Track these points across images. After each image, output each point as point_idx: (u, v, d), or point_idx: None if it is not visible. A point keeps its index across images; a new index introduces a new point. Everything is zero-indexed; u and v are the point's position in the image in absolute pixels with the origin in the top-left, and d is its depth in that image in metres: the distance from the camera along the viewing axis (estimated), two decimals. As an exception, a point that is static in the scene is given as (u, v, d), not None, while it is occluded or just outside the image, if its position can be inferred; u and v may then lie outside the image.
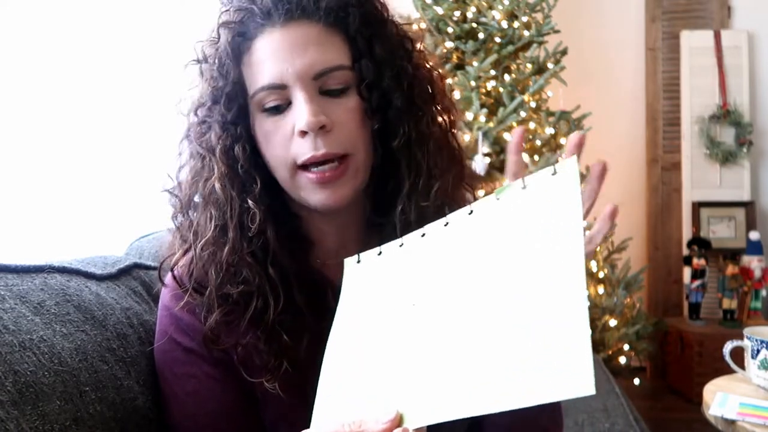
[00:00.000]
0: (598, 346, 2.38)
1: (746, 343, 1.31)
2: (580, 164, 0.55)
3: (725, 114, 3.10)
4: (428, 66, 0.73)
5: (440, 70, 0.76)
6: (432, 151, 0.70)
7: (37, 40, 1.81)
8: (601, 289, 2.48)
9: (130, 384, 0.68)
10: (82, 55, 1.87)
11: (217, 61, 0.66)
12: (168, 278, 0.73)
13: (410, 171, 0.70)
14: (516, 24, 2.48)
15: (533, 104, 2.47)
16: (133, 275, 0.83)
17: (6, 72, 1.77)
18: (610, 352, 2.43)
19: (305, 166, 0.66)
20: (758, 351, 1.28)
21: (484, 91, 2.42)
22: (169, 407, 0.71)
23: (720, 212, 3.10)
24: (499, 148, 2.40)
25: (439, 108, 0.73)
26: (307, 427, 0.56)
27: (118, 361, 0.68)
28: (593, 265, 2.49)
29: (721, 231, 3.09)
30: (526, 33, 2.49)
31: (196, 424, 0.70)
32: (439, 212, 0.69)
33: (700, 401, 1.36)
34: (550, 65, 2.52)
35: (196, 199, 0.70)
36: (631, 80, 3.33)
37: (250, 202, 0.67)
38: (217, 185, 0.66)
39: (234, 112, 0.66)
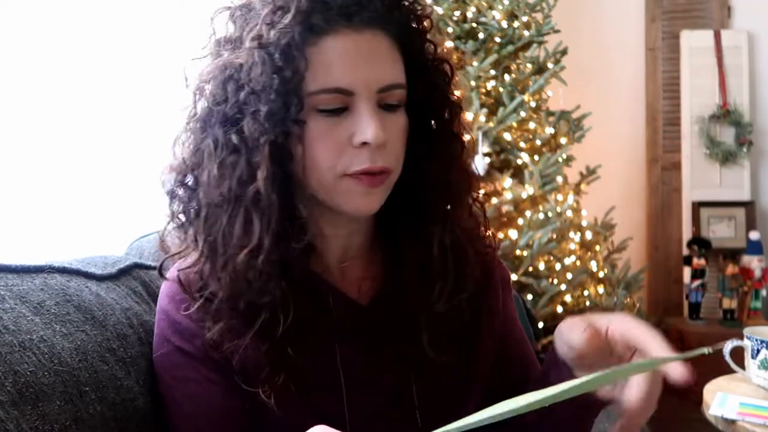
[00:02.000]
0: (598, 346, 2.37)
1: (746, 343, 1.31)
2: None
3: (725, 114, 3.10)
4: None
5: (461, 91, 0.76)
6: (456, 175, 0.71)
7: (37, 40, 1.81)
8: (601, 289, 2.48)
9: (130, 384, 0.68)
10: (82, 55, 1.87)
11: (279, 46, 0.61)
12: (172, 281, 0.71)
13: (430, 193, 0.70)
14: (516, 24, 2.48)
15: (533, 104, 2.47)
16: (133, 275, 0.83)
17: (6, 72, 1.77)
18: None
19: (351, 175, 0.64)
20: (758, 351, 1.28)
21: (484, 91, 2.42)
22: (168, 411, 0.71)
23: (720, 212, 3.10)
24: (499, 148, 2.40)
25: (460, 131, 0.73)
26: (309, 429, 0.56)
27: (118, 362, 0.68)
28: (593, 264, 2.49)
29: (721, 231, 3.09)
30: (526, 33, 2.48)
31: (196, 428, 0.69)
32: (448, 233, 0.71)
33: (700, 401, 1.36)
34: (550, 65, 2.52)
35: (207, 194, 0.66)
36: (631, 80, 3.33)
37: (301, 208, 0.65)
38: (262, 186, 0.62)
39: (295, 107, 0.62)
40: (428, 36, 0.70)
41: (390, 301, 0.73)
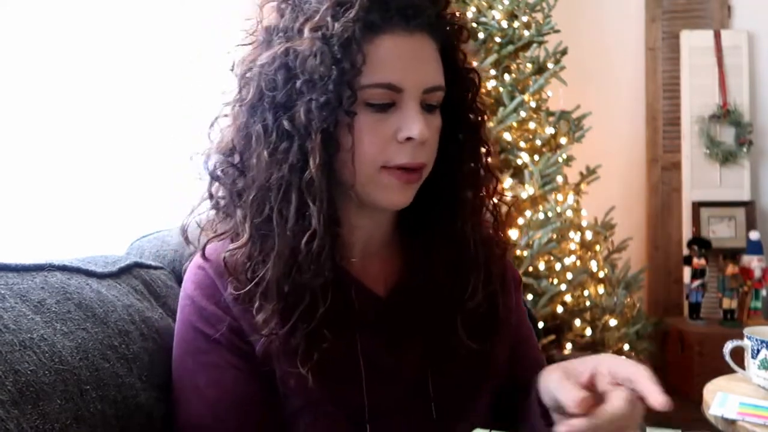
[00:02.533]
0: (597, 346, 2.38)
1: (746, 343, 1.31)
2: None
3: (725, 114, 3.10)
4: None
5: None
6: (482, 177, 0.76)
7: (37, 40, 1.81)
8: (601, 289, 2.48)
9: (131, 381, 0.68)
10: (82, 55, 1.87)
11: (340, 39, 0.63)
12: (212, 262, 0.71)
13: (460, 192, 0.75)
14: (516, 24, 2.48)
15: (533, 104, 2.47)
16: (134, 274, 0.83)
17: (6, 72, 1.77)
18: (610, 352, 2.43)
19: (390, 167, 0.67)
20: (758, 351, 1.28)
21: (484, 90, 2.42)
22: (187, 398, 0.71)
23: (720, 212, 3.11)
24: (499, 148, 2.40)
25: (486, 137, 0.78)
26: (329, 417, 0.57)
27: (119, 359, 0.68)
28: (593, 264, 2.49)
29: (721, 231, 3.09)
30: (526, 33, 2.48)
31: (216, 415, 0.69)
32: (471, 228, 0.75)
33: (700, 401, 1.35)
34: (550, 65, 2.52)
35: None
36: (631, 80, 3.34)
37: (337, 197, 0.68)
38: (315, 172, 0.64)
39: (349, 98, 0.64)
40: (461, 47, 0.74)
41: (411, 294, 0.75)
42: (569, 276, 2.32)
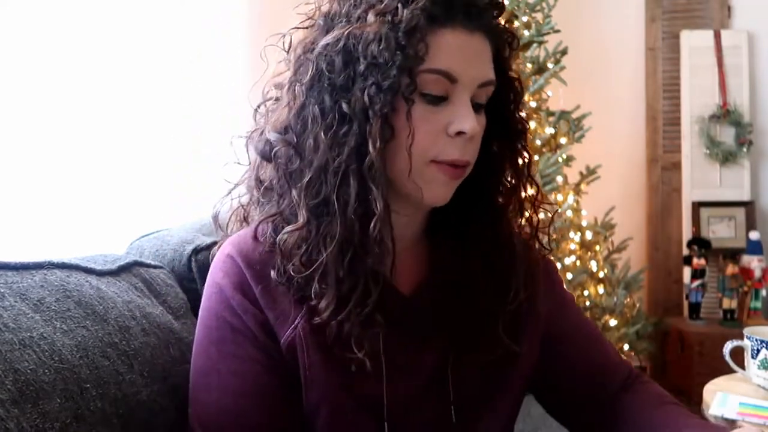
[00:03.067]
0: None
1: (746, 343, 1.31)
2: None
3: (725, 114, 3.10)
4: None
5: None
6: (521, 182, 0.77)
7: (36, 39, 1.81)
8: (601, 289, 2.48)
9: (133, 378, 0.68)
10: (82, 55, 1.87)
11: (408, 25, 0.64)
12: (241, 252, 0.71)
13: (501, 193, 0.77)
14: (516, 24, 2.48)
15: (533, 104, 2.47)
16: (134, 272, 0.83)
17: (6, 72, 1.77)
18: (610, 352, 2.43)
19: (439, 162, 0.68)
20: (758, 351, 1.28)
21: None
22: (210, 386, 0.71)
23: (720, 212, 3.10)
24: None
25: (527, 143, 0.80)
26: (349, 412, 0.58)
27: (120, 356, 0.68)
28: (593, 264, 2.49)
29: (721, 231, 3.09)
30: (526, 33, 2.49)
31: (238, 405, 0.69)
32: (503, 226, 0.76)
33: (700, 401, 1.35)
34: (550, 65, 2.52)
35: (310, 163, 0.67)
36: (631, 80, 3.33)
37: (396, 183, 0.69)
38: (374, 157, 0.64)
39: (408, 86, 0.65)
40: (511, 54, 0.75)
41: (434, 295, 0.75)
42: (569, 276, 2.33)
